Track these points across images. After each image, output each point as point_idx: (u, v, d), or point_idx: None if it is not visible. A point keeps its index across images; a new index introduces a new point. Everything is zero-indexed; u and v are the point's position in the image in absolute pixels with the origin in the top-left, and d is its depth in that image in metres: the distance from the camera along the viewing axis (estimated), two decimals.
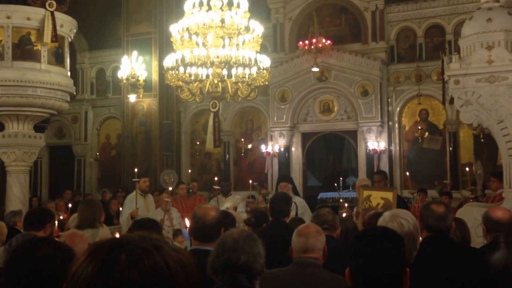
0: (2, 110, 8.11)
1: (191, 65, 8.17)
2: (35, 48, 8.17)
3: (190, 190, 10.46)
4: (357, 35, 15.09)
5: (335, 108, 15.09)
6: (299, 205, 7.09)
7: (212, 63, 8.00)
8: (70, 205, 8.77)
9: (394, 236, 2.21)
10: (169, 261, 0.98)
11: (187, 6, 8.28)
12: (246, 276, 2.44)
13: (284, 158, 15.09)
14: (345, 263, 2.16)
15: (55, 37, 8.06)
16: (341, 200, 8.17)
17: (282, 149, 15.06)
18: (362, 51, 14.72)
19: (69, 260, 1.70)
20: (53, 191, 15.41)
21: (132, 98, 14.52)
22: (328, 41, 14.22)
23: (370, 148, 14.35)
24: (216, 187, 9.23)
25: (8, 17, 7.82)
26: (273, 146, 15.05)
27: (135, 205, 8.30)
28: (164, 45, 14.50)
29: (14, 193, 8.12)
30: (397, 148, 14.73)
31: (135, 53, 14.19)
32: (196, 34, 8.22)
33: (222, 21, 8.05)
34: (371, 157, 14.37)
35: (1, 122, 8.43)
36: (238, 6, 8.16)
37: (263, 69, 8.34)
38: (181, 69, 8.28)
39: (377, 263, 2.08)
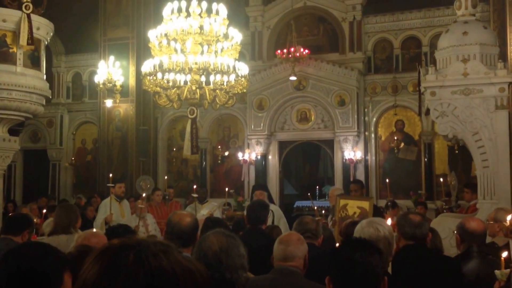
0: None
1: (169, 71, 8.14)
2: (10, 50, 8.02)
3: (167, 197, 10.38)
4: (334, 45, 15.21)
5: (312, 117, 15.17)
6: (275, 213, 7.09)
7: (190, 70, 7.98)
8: (44, 210, 8.63)
9: (371, 247, 2.26)
10: (176, 267, 0.99)
11: (165, 12, 8.26)
12: None
13: (261, 166, 15.09)
14: (326, 272, 2.17)
15: (31, 39, 7.93)
16: (315, 208, 8.19)
17: (259, 157, 15.07)
18: (340, 61, 14.84)
19: (60, 264, 1.70)
20: (27, 195, 15.16)
21: (108, 103, 14.41)
22: (306, 50, 14.30)
23: (347, 158, 14.44)
24: (194, 194, 9.19)
25: None
26: (250, 154, 15.05)
27: (110, 210, 8.21)
28: (142, 51, 14.43)
29: None
30: (373, 158, 14.86)
31: (112, 57, 14.10)
32: (175, 40, 8.20)
33: (201, 27, 8.05)
34: (347, 166, 14.46)
35: None
36: (217, 13, 8.17)
37: (241, 76, 8.35)
38: (159, 75, 8.24)
39: (356, 272, 2.11)
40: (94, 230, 4.64)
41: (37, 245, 1.98)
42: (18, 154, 13.06)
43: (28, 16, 7.73)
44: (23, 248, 1.94)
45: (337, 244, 3.70)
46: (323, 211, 8.36)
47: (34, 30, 7.91)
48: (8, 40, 7.98)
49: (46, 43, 8.66)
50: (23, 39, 7.87)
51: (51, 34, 8.65)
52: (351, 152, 14.39)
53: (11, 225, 4.35)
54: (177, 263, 1.01)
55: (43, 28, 8.28)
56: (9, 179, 15.01)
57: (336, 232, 5.57)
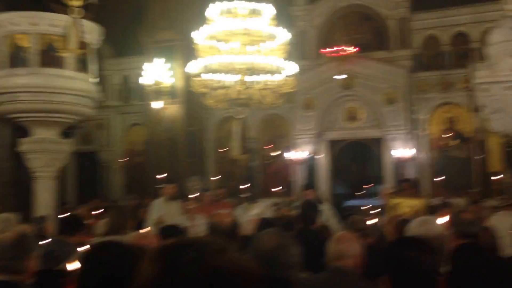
0: (29, 116, 8.19)
1: (216, 71, 8.18)
2: (61, 54, 8.24)
3: (216, 198, 10.42)
4: (381, 43, 14.97)
5: (360, 116, 14.95)
6: (327, 212, 7.00)
7: (237, 70, 7.99)
8: (96, 212, 8.80)
9: (424, 245, 2.23)
10: (232, 266, 1.01)
11: (211, 13, 8.29)
12: None
13: (309, 166, 14.99)
14: (379, 271, 2.11)
15: (81, 44, 8.14)
16: (366, 208, 8.06)
17: (307, 156, 14.96)
18: (387, 58, 14.58)
19: (138, 262, 1.72)
20: (80, 197, 15.55)
21: (156, 104, 14.60)
22: (355, 48, 14.12)
23: (396, 156, 14.17)
24: (244, 194, 9.19)
25: (34, 24, 7.91)
26: (298, 154, 14.96)
27: (161, 211, 8.29)
28: (189, 52, 14.55)
29: (41, 198, 8.19)
30: (424, 156, 14.51)
31: (159, 60, 14.30)
32: (221, 40, 8.23)
33: (247, 28, 8.05)
34: (398, 165, 14.18)
35: (28, 127, 8.52)
36: (263, 14, 8.15)
37: (289, 76, 8.30)
38: (206, 75, 8.29)
39: (409, 271, 2.06)
40: (145, 230, 4.69)
41: (115, 243, 2.03)
42: (70, 157, 13.42)
43: (78, 21, 7.91)
44: (103, 245, 2.00)
45: (390, 243, 3.61)
46: (374, 210, 8.20)
47: (84, 35, 8.10)
48: (59, 45, 8.19)
49: (95, 47, 8.86)
50: (73, 43, 8.08)
51: (101, 38, 8.84)
52: (401, 150, 14.11)
53: (65, 227, 4.45)
54: (233, 261, 1.02)
55: (93, 32, 8.47)
56: (63, 181, 15.43)
57: (388, 230, 5.45)
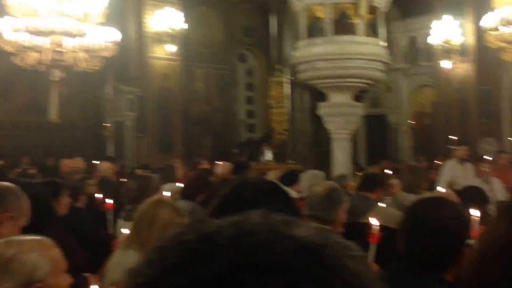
0: (325, 82, 8.81)
1: None
2: (352, 21, 8.60)
3: None
4: None
5: None
6: None
7: None
8: (388, 172, 9.02)
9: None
10: None
11: None
12: None
13: None
14: None
15: (370, 9, 8.38)
16: None
17: None
18: None
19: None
20: (369, 158, 16.09)
21: (445, 64, 14.06)
22: None
23: None
24: None
25: None
26: None
27: (453, 173, 8.09)
28: (481, 5, 13.54)
29: (338, 158, 8.80)
30: None
31: (447, 17, 13.67)
32: None
33: None
34: None
35: (325, 92, 9.17)
36: None
37: None
38: (504, 28, 7.65)
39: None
40: (444, 191, 4.67)
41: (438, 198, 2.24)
42: (361, 120, 13.95)
43: None
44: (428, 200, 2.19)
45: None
46: None
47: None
48: (350, 12, 8.56)
49: (384, 10, 8.98)
50: (363, 9, 8.35)
51: (388, 1, 8.93)
52: None
53: (367, 182, 4.74)
54: None
55: None
56: (354, 142, 16.13)
57: None
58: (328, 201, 3.38)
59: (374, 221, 3.67)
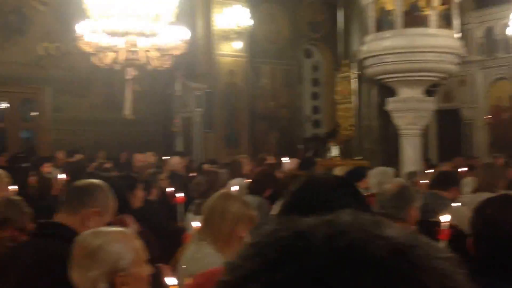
0: (394, 76, 8.61)
1: None
2: (423, 13, 8.35)
3: None
4: None
5: None
6: None
7: None
8: (461, 170, 8.72)
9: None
10: None
11: None
12: None
13: None
14: None
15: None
16: None
17: None
18: None
19: None
20: (441, 154, 15.62)
21: None
22: None
23: None
24: None
25: None
26: None
27: None
28: None
29: (407, 155, 8.60)
30: None
31: None
32: None
33: None
34: None
35: (394, 87, 8.96)
36: None
37: None
38: None
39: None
40: None
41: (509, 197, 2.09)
42: (432, 115, 13.57)
43: None
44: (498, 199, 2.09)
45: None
46: None
47: None
48: (421, 4, 8.32)
49: (458, 0, 8.67)
50: (436, 0, 8.10)
51: None
52: None
53: (440, 180, 4.60)
54: None
55: None
56: (425, 138, 15.67)
57: None
58: (399, 199, 3.32)
59: (444, 218, 3.58)
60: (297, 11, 15.68)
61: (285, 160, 8.66)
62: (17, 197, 3.59)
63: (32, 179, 6.22)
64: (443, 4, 8.27)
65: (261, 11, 14.60)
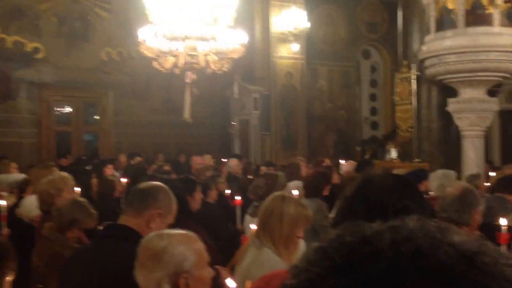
0: (456, 76, 8.38)
1: None
2: (486, 12, 8.10)
3: None
4: None
5: None
6: None
7: None
8: None
9: None
10: None
11: None
12: None
13: None
14: None
15: None
16: None
17: None
18: None
19: None
20: (504, 157, 15.07)
21: None
22: None
23: None
24: None
25: None
26: None
27: None
28: None
29: (469, 156, 8.35)
30: None
31: None
32: None
33: None
34: None
35: (455, 88, 8.73)
36: None
37: None
38: None
39: None
40: None
41: None
42: (495, 115, 13.12)
43: None
44: None
45: None
46: None
47: None
48: (484, 2, 8.06)
49: None
50: None
51: None
52: None
53: (505, 184, 4.44)
54: None
55: None
56: (487, 139, 15.14)
57: None
58: (462, 203, 3.23)
59: (503, 222, 3.46)
60: (355, 12, 15.52)
61: (342, 162, 8.59)
62: (83, 199, 3.71)
63: (94, 181, 6.37)
64: (506, 1, 7.99)
65: (318, 12, 14.54)
